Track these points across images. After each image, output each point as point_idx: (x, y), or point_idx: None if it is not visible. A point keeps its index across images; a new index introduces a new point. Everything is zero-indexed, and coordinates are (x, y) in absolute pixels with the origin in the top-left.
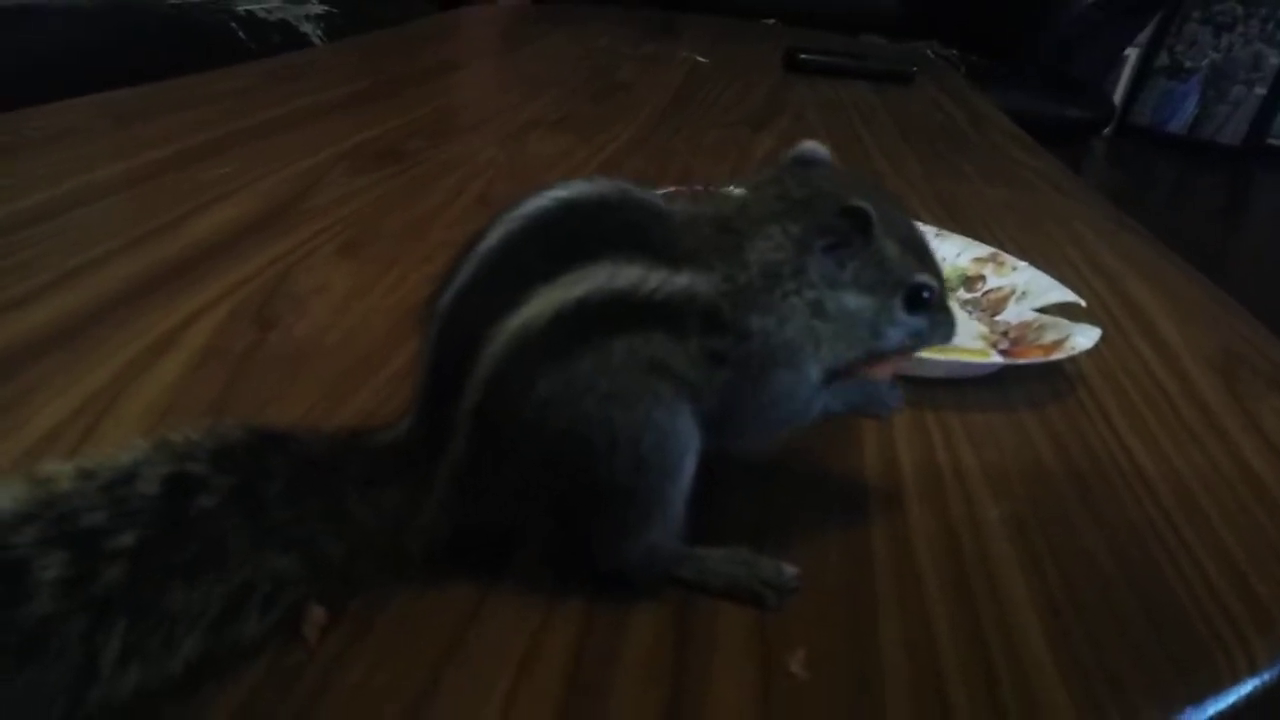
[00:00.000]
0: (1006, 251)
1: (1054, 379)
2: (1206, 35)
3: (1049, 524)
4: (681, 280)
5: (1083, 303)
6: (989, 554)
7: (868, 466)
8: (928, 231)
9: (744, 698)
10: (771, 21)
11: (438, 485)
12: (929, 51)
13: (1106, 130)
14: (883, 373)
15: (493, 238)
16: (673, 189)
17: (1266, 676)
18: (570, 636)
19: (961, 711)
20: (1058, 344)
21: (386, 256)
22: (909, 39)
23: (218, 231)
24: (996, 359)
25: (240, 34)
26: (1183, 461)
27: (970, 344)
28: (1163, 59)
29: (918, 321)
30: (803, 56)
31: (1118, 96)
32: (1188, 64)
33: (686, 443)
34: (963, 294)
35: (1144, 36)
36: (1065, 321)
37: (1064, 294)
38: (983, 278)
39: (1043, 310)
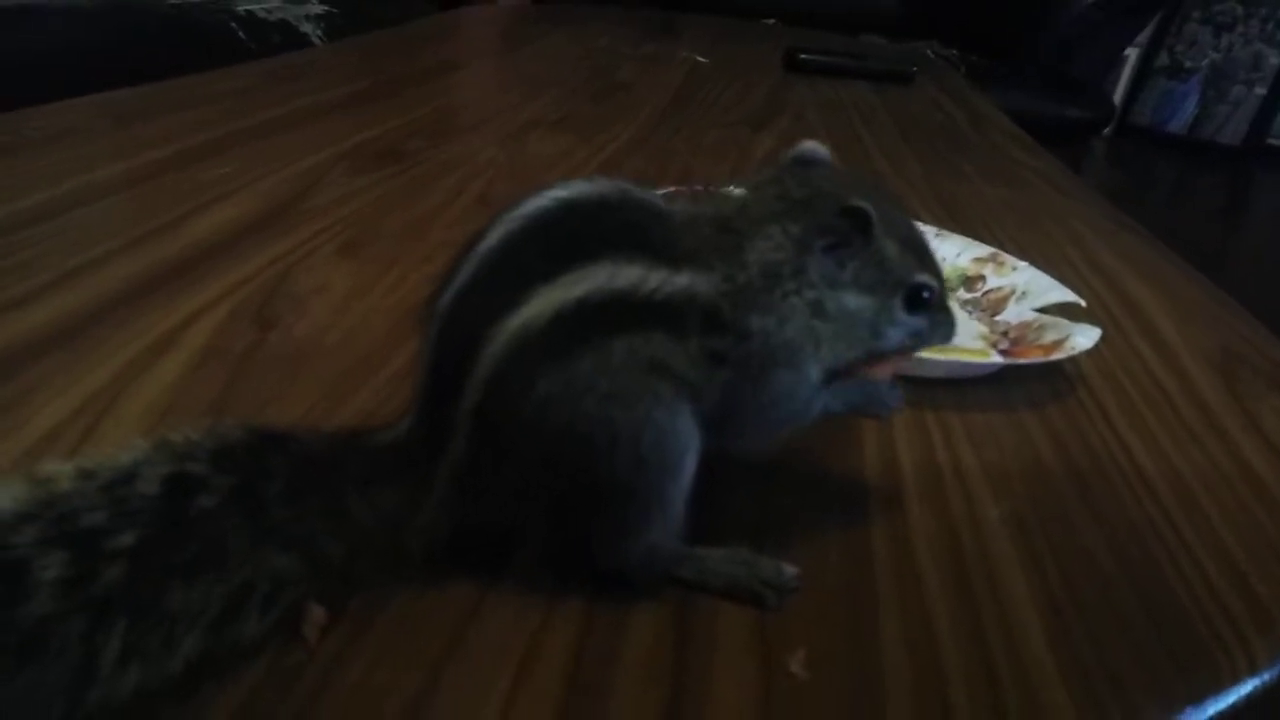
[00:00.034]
0: (1006, 251)
1: (1054, 379)
2: (1206, 35)
3: (1049, 523)
4: (681, 280)
5: (1082, 303)
6: (989, 553)
7: (868, 466)
8: (928, 231)
9: (744, 698)
10: (771, 21)
11: (437, 485)
12: (929, 51)
13: (1106, 130)
14: (882, 373)
15: (493, 238)
16: (672, 189)
17: (1267, 676)
18: (570, 636)
19: (962, 711)
20: (1058, 344)
21: (386, 256)
22: (909, 39)
23: (218, 231)
24: (996, 359)
25: (240, 34)
26: (1182, 461)
27: (970, 344)
28: (1163, 59)
29: (918, 321)
30: (803, 56)
31: (1118, 96)
32: (1188, 64)
33: (686, 442)
34: (963, 294)
35: (1144, 36)
36: (1065, 321)
37: (1064, 294)
38: (983, 278)
39: (1043, 310)
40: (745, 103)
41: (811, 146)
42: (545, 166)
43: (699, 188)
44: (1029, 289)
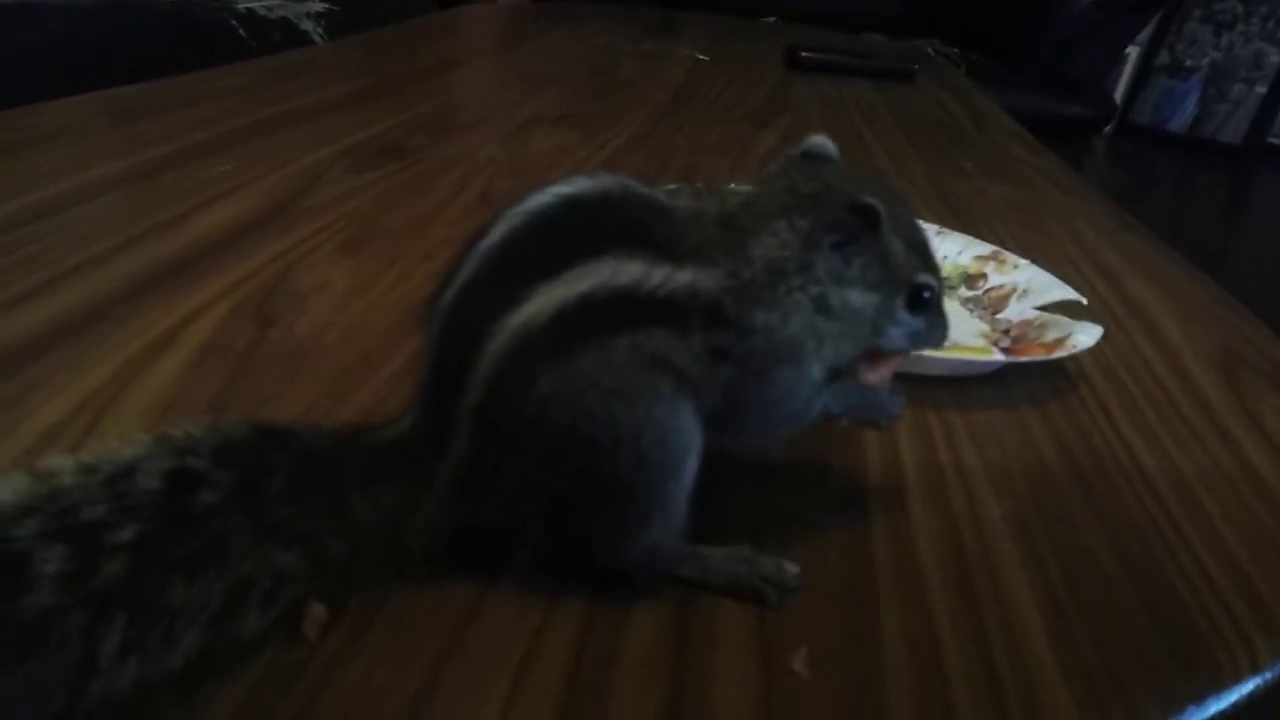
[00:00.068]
0: (1008, 249)
1: (1055, 377)
2: (1207, 34)
3: (1051, 523)
4: (684, 276)
5: (1084, 301)
6: (991, 553)
7: (869, 465)
8: (929, 229)
9: (745, 697)
10: (771, 19)
11: (438, 484)
12: (930, 50)
13: (1107, 129)
14: (877, 377)
15: (495, 234)
16: (673, 186)
17: (1268, 675)
18: (570, 636)
19: (964, 710)
20: (1059, 342)
21: (387, 254)
22: (909, 37)
23: (218, 229)
24: (998, 357)
25: (241, 31)
26: (1184, 460)
27: (972, 342)
28: (1163, 57)
29: (917, 321)
30: (804, 54)
31: (1118, 95)
32: (1188, 62)
33: (688, 441)
34: (964, 292)
35: (1145, 35)
36: (1067, 319)
37: (1065, 292)
38: (984, 275)
39: (1044, 308)
40: (746, 100)
41: (820, 142)
42: (546, 164)
43: (699, 185)
44: (1030, 287)
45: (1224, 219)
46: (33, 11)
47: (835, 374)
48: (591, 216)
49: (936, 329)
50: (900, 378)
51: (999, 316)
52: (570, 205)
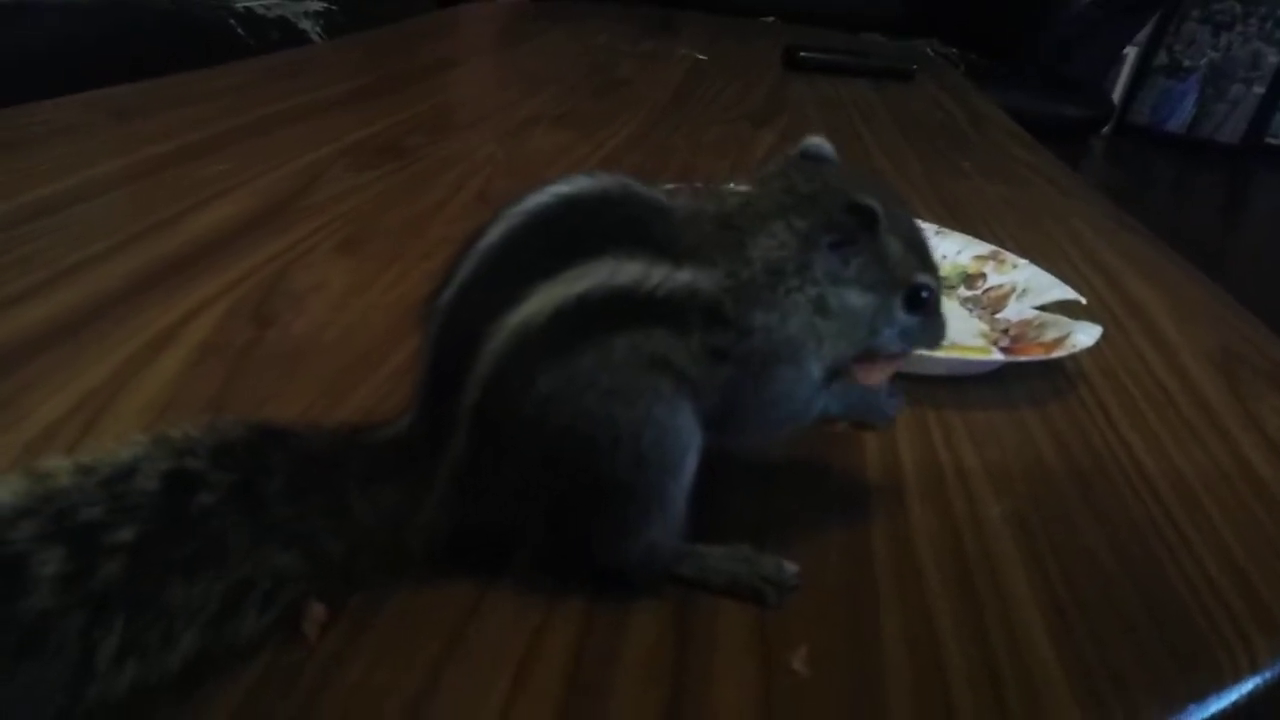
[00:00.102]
0: (1006, 249)
1: (1055, 377)
2: (1205, 34)
3: (1051, 522)
4: (684, 276)
5: (1083, 300)
6: (991, 552)
7: (869, 465)
8: (928, 229)
9: (745, 697)
10: (770, 19)
11: (438, 483)
12: (928, 50)
13: (1105, 129)
14: (874, 378)
15: (494, 234)
16: (672, 186)
17: (1268, 674)
18: (570, 636)
19: (964, 710)
20: (1058, 341)
21: (386, 253)
22: (908, 37)
23: (216, 228)
24: (997, 356)
25: (239, 30)
26: (1184, 459)
27: (971, 341)
28: (1161, 58)
29: (914, 322)
30: (802, 54)
31: (1116, 95)
32: (1186, 63)
33: (687, 440)
34: (963, 291)
35: (1143, 35)
36: (1066, 319)
37: (1064, 291)
38: (983, 275)
39: (1043, 308)
40: (745, 100)
41: (817, 142)
42: (545, 163)
43: (698, 185)
44: (1029, 286)
45: (1222, 219)
46: (30, 10)
47: (834, 374)
48: (590, 216)
49: (934, 329)
50: (899, 377)
51: (998, 316)
52: (569, 205)
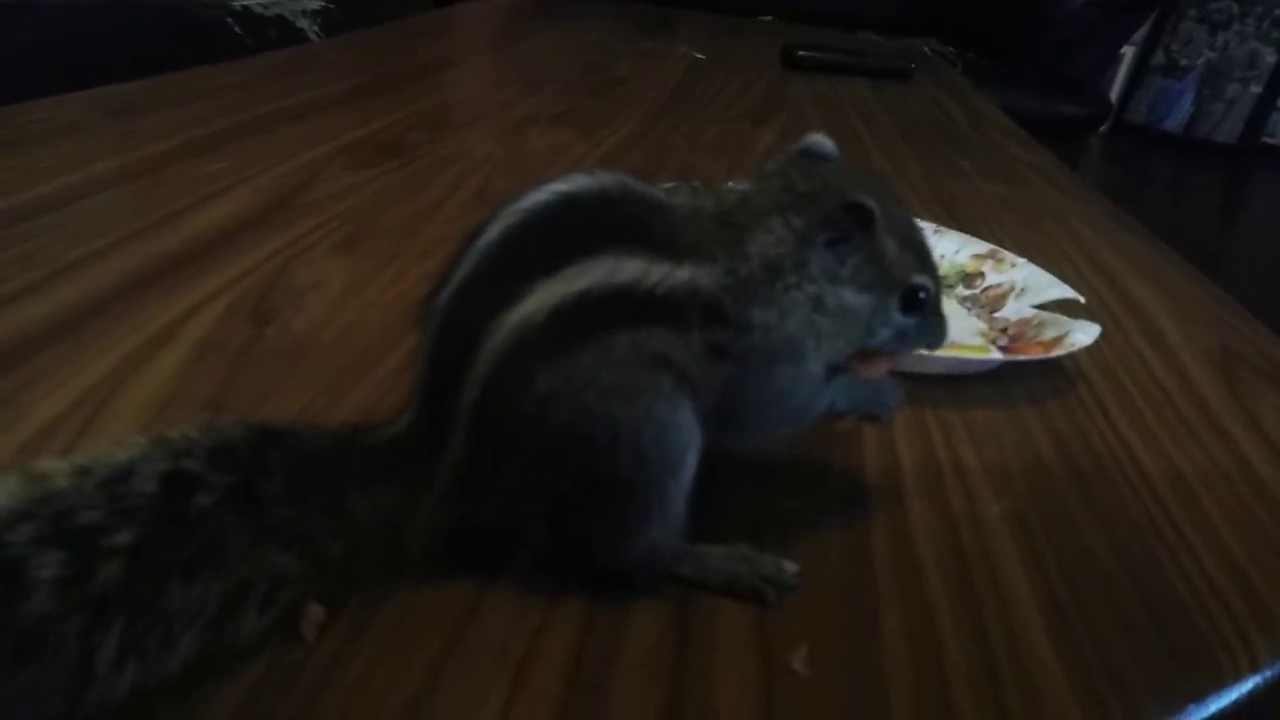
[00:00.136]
0: (1005, 248)
1: (1053, 376)
2: (1202, 34)
3: (1050, 521)
4: (683, 274)
5: (1082, 299)
6: (990, 551)
7: (868, 464)
8: (926, 228)
9: (745, 697)
10: (768, 18)
11: (437, 483)
12: (926, 49)
13: (1103, 128)
14: (874, 371)
15: (493, 232)
16: (670, 184)
17: (1268, 674)
18: (570, 636)
19: (964, 709)
20: (1057, 340)
21: (384, 252)
22: (905, 36)
23: (215, 226)
24: (996, 355)
25: (237, 29)
26: (1183, 459)
27: (970, 340)
28: (1159, 57)
29: (912, 322)
30: (801, 53)
31: (1114, 94)
32: (1183, 62)
33: (687, 439)
34: (962, 290)
35: (1140, 35)
36: (1064, 318)
37: (1063, 290)
38: (982, 274)
39: (1042, 307)
40: (744, 99)
41: (818, 140)
42: (543, 161)
43: (696, 183)
44: (1028, 285)
45: (1219, 219)
46: (31, 8)
47: (833, 370)
48: (590, 214)
49: (933, 330)
50: (896, 375)
51: (997, 315)
52: (568, 203)
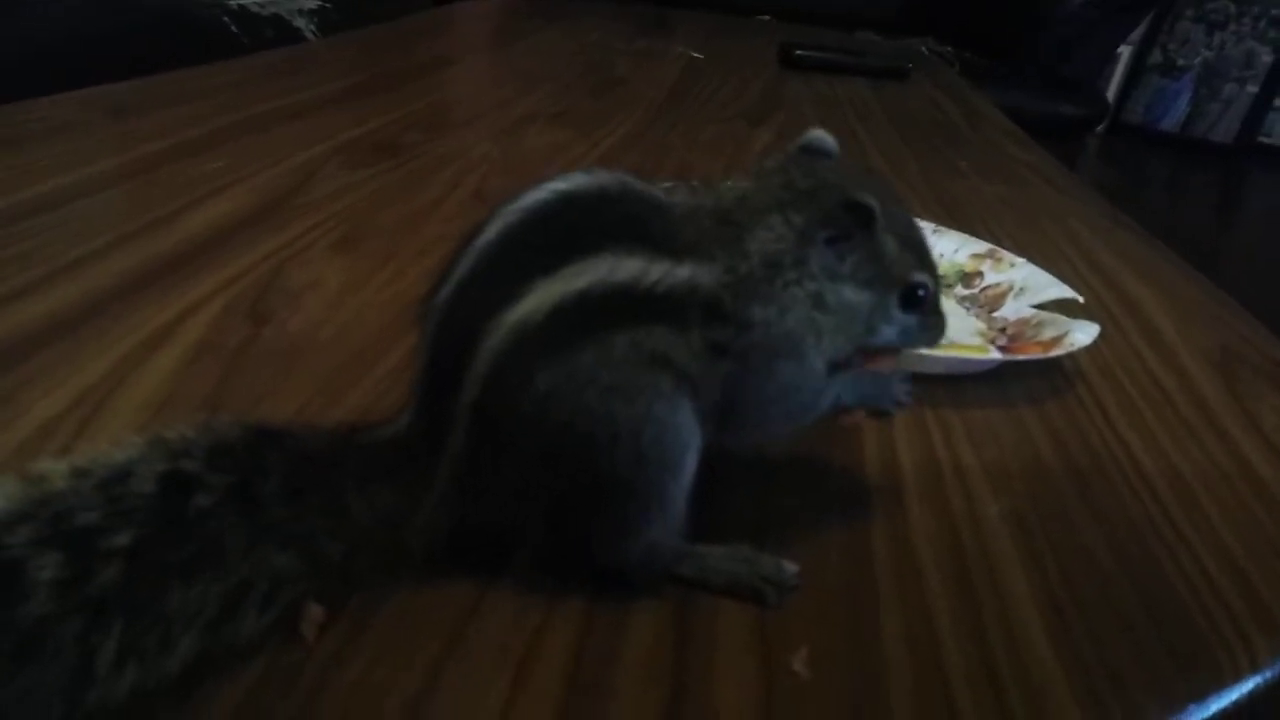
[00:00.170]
0: (1003, 248)
1: (1053, 376)
2: (1199, 33)
3: (1049, 521)
4: (683, 272)
5: (1080, 299)
6: (989, 551)
7: (868, 464)
8: (925, 228)
9: (745, 697)
10: (766, 17)
11: (437, 482)
12: (923, 48)
13: (1100, 128)
14: (884, 363)
15: (491, 231)
16: (669, 184)
17: (1268, 674)
18: (570, 636)
19: (964, 709)
20: (1056, 340)
21: (381, 251)
22: (903, 36)
23: (212, 226)
24: (995, 355)
25: (233, 28)
26: (1182, 459)
27: (969, 340)
28: (1155, 57)
29: (911, 320)
30: (798, 53)
31: (1111, 94)
32: (1180, 62)
33: (687, 438)
34: (960, 290)
35: (1137, 34)
36: (1064, 318)
37: (1062, 290)
38: (980, 274)
39: (1041, 306)
40: (742, 98)
41: (819, 136)
42: (541, 161)
43: (695, 183)
44: (1027, 285)
45: (1216, 218)
46: (27, 7)
47: (835, 367)
48: (589, 213)
49: (932, 328)
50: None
51: (995, 315)
52: (567, 201)
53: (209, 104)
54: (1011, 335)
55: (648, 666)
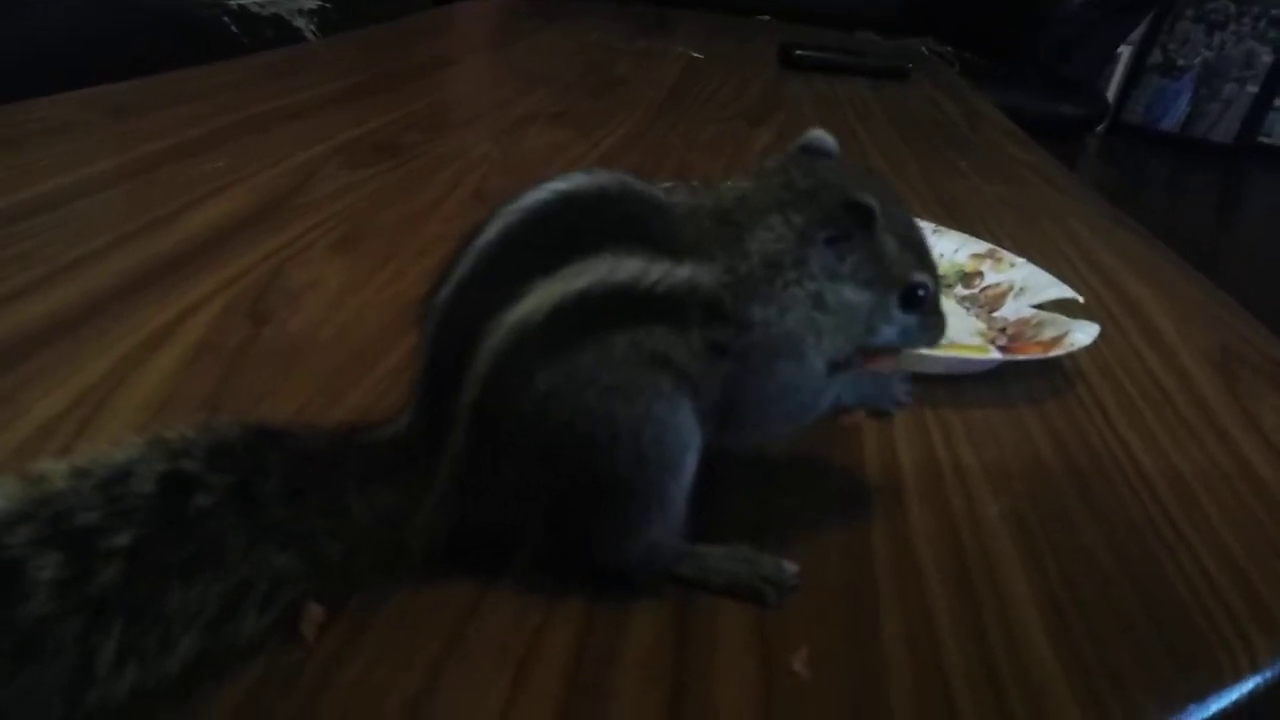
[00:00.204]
0: (1003, 248)
1: (1053, 376)
2: (1199, 33)
3: (1049, 521)
4: (683, 272)
5: (1080, 299)
6: (989, 551)
7: (868, 464)
8: (925, 228)
9: (745, 697)
10: (766, 17)
11: (437, 482)
12: (923, 48)
13: (1100, 128)
14: (884, 363)
15: (491, 231)
16: (669, 184)
17: (1268, 674)
18: (570, 636)
19: (964, 709)
20: (1056, 340)
21: (381, 251)
22: (902, 36)
23: (212, 226)
24: (995, 355)
25: (233, 28)
26: (1182, 459)
27: (969, 340)
28: (1155, 56)
29: (911, 320)
30: (799, 53)
31: (1111, 94)
32: (1180, 62)
33: (687, 438)
34: (960, 290)
35: (1137, 34)
36: (1063, 318)
37: (1062, 290)
38: (980, 274)
39: (1041, 306)
40: (741, 98)
41: (819, 135)
42: (541, 161)
43: (694, 182)
44: (1027, 285)
45: (1216, 218)
46: (27, 7)
47: (835, 367)
48: (589, 212)
49: (932, 328)
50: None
51: (995, 315)
52: (567, 201)
53: (209, 104)
54: (1011, 335)
55: (648, 666)
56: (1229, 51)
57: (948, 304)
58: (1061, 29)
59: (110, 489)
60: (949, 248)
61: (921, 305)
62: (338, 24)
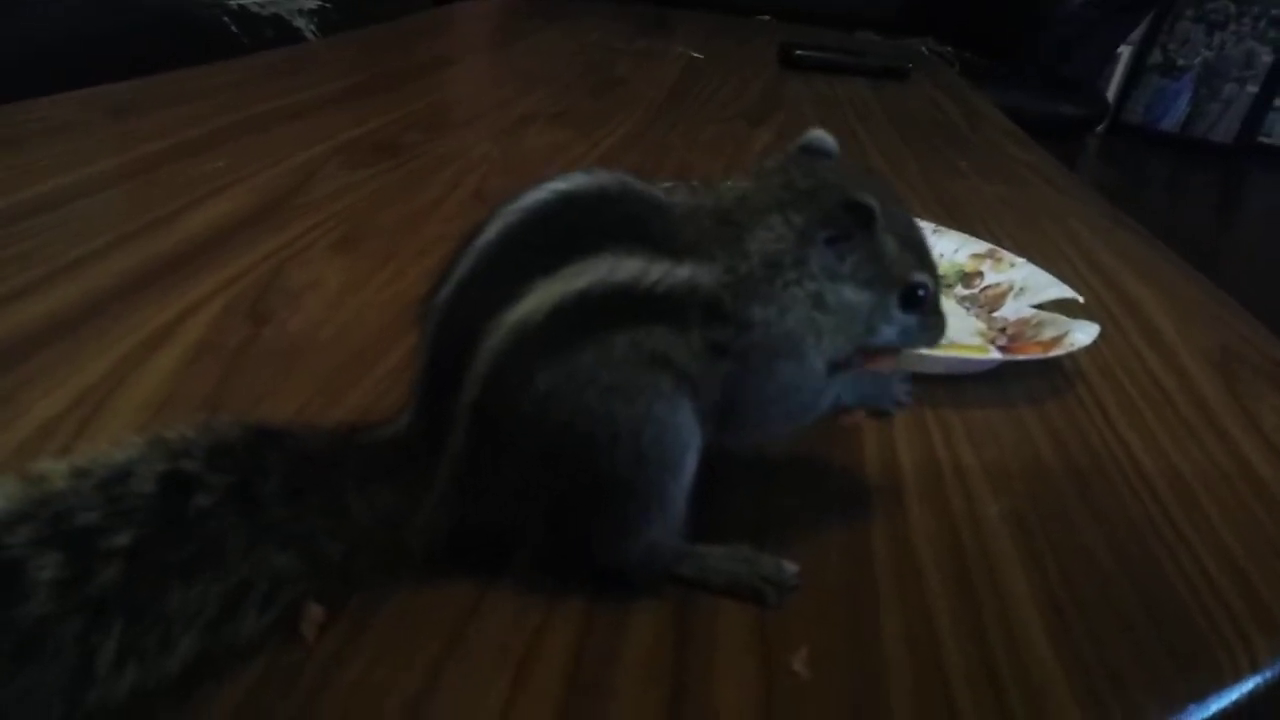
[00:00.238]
0: (1003, 248)
1: (1053, 376)
2: (1199, 33)
3: (1049, 521)
4: (683, 272)
5: (1080, 299)
6: (989, 551)
7: (868, 464)
8: (925, 228)
9: (745, 697)
10: (766, 17)
11: (437, 482)
12: (923, 48)
13: (1100, 128)
14: (884, 363)
15: (491, 231)
16: (669, 184)
17: (1268, 674)
18: (570, 636)
19: (964, 709)
20: (1056, 340)
21: (381, 251)
22: (902, 36)
23: (212, 226)
24: (995, 355)
25: (233, 28)
26: (1182, 459)
27: (969, 340)
28: (1155, 56)
29: (911, 320)
30: (799, 53)
31: (1111, 94)
32: (1180, 62)
33: (687, 438)
34: (960, 290)
35: (1137, 34)
36: (1064, 318)
37: (1062, 290)
38: (980, 274)
39: (1041, 306)
40: (741, 98)
41: (819, 135)
42: (541, 161)
43: (694, 182)
44: (1027, 285)
45: (1216, 218)
46: (27, 7)
47: (835, 367)
48: (589, 212)
49: (932, 328)
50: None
51: (995, 315)
52: (567, 201)
53: (209, 104)
54: (1011, 335)
55: (648, 666)
56: (1229, 51)
57: (948, 304)
58: (1061, 29)
59: (110, 489)
60: (949, 248)
61: (921, 305)
62: (338, 24)
